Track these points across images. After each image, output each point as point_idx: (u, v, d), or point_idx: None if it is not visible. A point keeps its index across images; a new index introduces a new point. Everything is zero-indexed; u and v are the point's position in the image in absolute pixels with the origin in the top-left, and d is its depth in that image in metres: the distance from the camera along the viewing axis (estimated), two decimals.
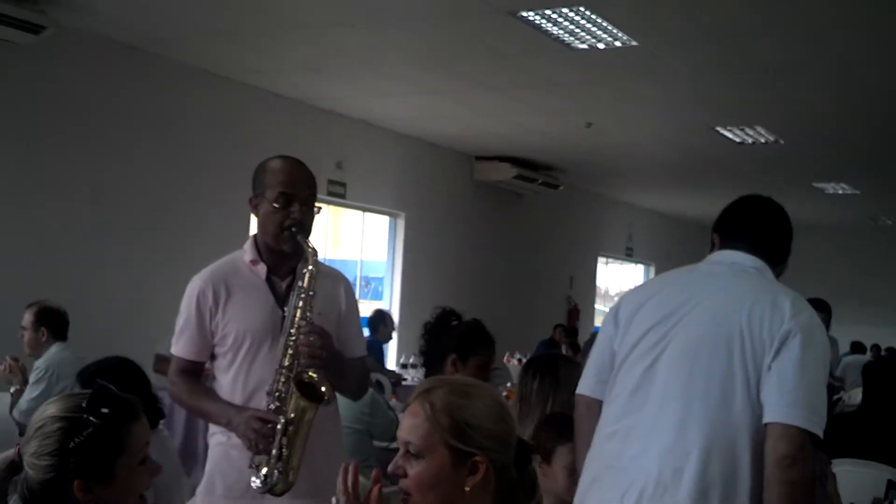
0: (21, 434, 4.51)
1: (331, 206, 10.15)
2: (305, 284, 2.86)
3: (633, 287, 2.96)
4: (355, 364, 3.09)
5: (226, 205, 8.54)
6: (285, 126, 9.06)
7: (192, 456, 6.13)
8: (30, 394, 4.95)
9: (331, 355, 2.83)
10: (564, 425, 2.88)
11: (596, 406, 2.64)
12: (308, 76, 8.51)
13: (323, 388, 2.75)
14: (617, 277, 17.94)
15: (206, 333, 2.96)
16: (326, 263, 3.19)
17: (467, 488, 1.77)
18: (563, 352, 11.25)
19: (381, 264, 11.27)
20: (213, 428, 3.00)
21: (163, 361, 6.19)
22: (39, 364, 5.07)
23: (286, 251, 2.93)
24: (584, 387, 2.73)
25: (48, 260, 6.96)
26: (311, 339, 2.79)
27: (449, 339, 4.08)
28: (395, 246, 11.31)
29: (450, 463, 1.78)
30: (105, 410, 1.88)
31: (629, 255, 17.18)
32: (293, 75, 8.50)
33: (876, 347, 14.30)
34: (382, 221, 11.33)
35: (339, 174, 9.80)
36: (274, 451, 2.74)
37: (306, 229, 2.92)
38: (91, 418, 1.86)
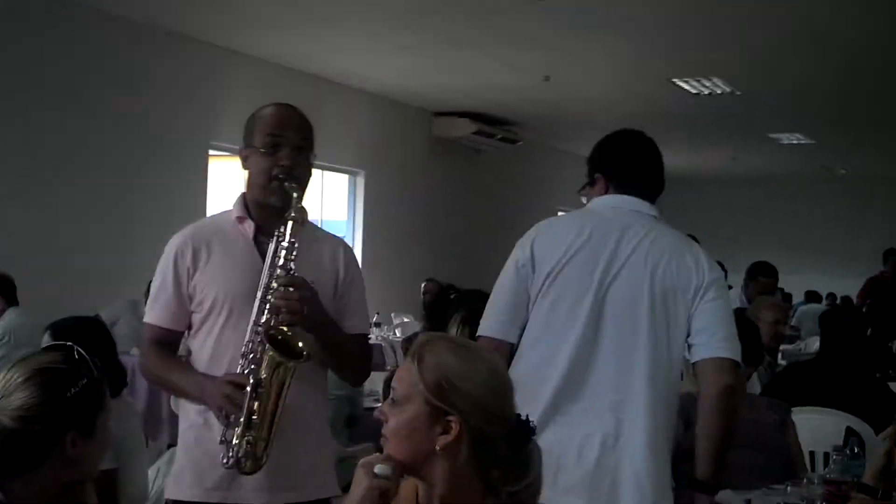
0: None
1: None
2: (287, 231, 2.51)
3: (541, 229, 2.84)
4: (354, 341, 2.71)
5: (186, 169, 8.46)
6: (244, 84, 8.93)
7: (157, 421, 6.12)
8: None
9: (316, 313, 2.49)
10: None
11: (505, 348, 2.76)
12: (268, 33, 8.39)
13: (300, 343, 2.41)
14: None
15: (184, 298, 2.61)
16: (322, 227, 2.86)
17: (438, 447, 1.75)
18: None
19: (342, 223, 11.21)
20: (185, 406, 2.63)
21: None
22: None
23: (274, 205, 2.57)
24: (492, 329, 2.79)
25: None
26: (289, 290, 2.43)
27: (456, 310, 4.02)
28: (355, 205, 11.26)
29: (424, 417, 1.75)
30: (91, 366, 1.88)
31: None
32: (252, 32, 8.38)
33: (831, 296, 14.51)
34: (342, 180, 11.26)
35: None
36: (242, 419, 2.38)
37: (297, 179, 2.57)
38: (85, 368, 1.86)
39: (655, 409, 2.64)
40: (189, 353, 2.69)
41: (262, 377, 2.39)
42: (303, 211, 2.54)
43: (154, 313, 2.65)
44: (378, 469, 1.73)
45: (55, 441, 1.79)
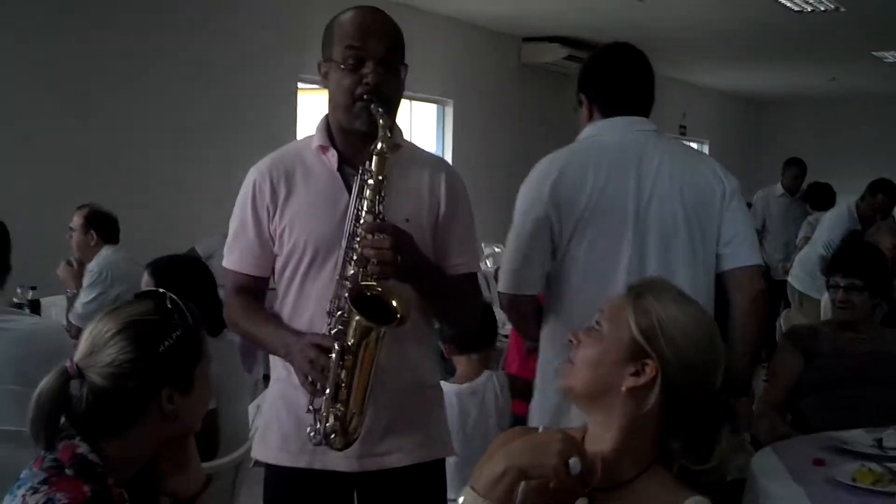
0: (75, 337, 4.52)
1: None
2: (373, 167, 2.14)
3: (550, 173, 2.73)
4: (461, 284, 2.35)
5: (275, 100, 8.44)
6: (331, 14, 8.84)
7: (251, 353, 6.17)
8: (85, 297, 4.95)
9: (412, 261, 2.15)
10: None
11: (534, 303, 2.75)
12: None
13: (394, 303, 2.09)
14: None
15: (266, 240, 2.32)
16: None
17: (624, 388, 1.61)
18: None
19: None
20: (273, 358, 2.37)
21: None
22: (93, 267, 5.04)
23: (359, 129, 2.22)
24: (520, 284, 2.72)
25: (96, 163, 6.93)
26: (378, 238, 2.09)
27: None
28: (444, 135, 11.14)
29: (622, 352, 1.62)
30: (186, 314, 1.73)
31: (683, 133, 16.80)
32: None
33: None
34: (430, 110, 11.14)
35: None
36: (329, 390, 2.10)
37: (384, 99, 2.19)
38: (180, 320, 1.71)
39: None
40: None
41: (350, 343, 2.09)
42: (392, 139, 2.18)
43: (233, 258, 2.37)
44: (572, 463, 1.53)
45: (150, 398, 1.67)
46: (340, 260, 2.18)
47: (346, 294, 2.10)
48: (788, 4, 9.66)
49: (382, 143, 2.15)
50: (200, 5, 7.77)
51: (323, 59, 2.30)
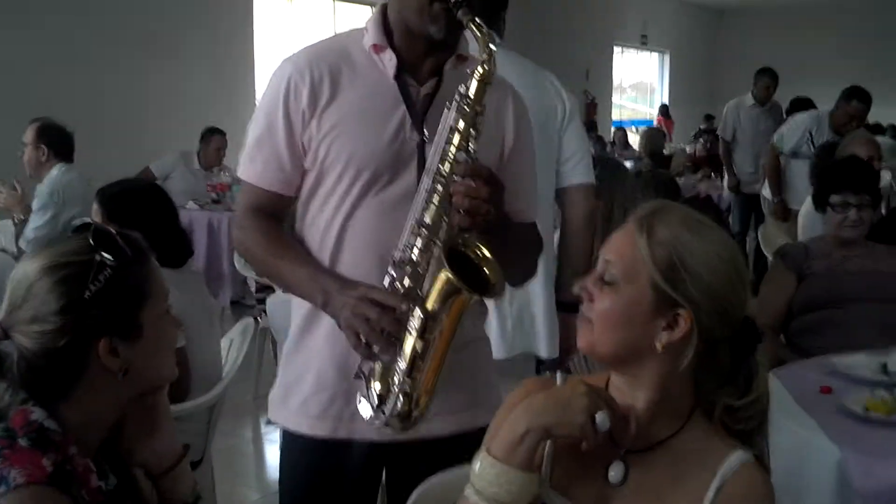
0: None
1: None
2: (472, 93, 1.72)
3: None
4: (524, 234, 1.96)
5: (231, 12, 8.14)
6: None
7: (218, 278, 5.98)
8: (36, 220, 4.63)
9: (500, 217, 1.73)
10: None
11: None
12: None
13: (488, 271, 1.68)
14: (631, 68, 17.40)
15: (297, 151, 1.86)
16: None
17: (659, 344, 1.40)
18: None
19: None
20: (295, 299, 1.95)
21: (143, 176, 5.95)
22: (42, 189, 4.70)
23: (433, 36, 1.79)
24: None
25: (46, 77, 6.60)
26: (474, 184, 1.67)
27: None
28: None
29: (649, 304, 1.39)
30: (120, 248, 1.44)
31: (644, 43, 16.59)
32: None
33: None
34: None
35: None
36: (402, 364, 1.67)
37: (474, 3, 1.73)
38: (107, 257, 1.41)
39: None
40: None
41: (432, 308, 1.66)
42: (491, 63, 1.74)
43: (255, 169, 1.89)
44: (599, 419, 1.36)
45: (86, 352, 1.41)
46: (396, 189, 1.81)
47: (430, 244, 1.69)
48: None
49: (487, 66, 1.72)
50: None
51: None
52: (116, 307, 1.42)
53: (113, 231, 1.46)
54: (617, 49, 16.08)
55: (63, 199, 4.64)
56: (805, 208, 5.05)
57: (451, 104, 1.73)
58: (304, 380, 1.92)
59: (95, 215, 2.84)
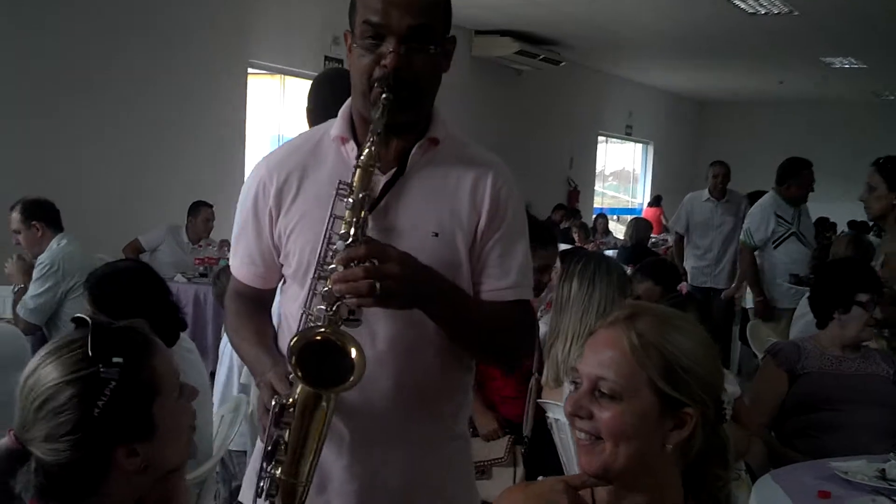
0: (26, 333, 4.34)
1: None
2: (355, 181, 1.70)
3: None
4: (499, 312, 1.85)
5: (224, 87, 8.19)
6: (278, 3, 8.60)
7: (202, 351, 5.91)
8: (35, 289, 4.70)
9: (406, 288, 1.64)
10: None
11: None
12: None
13: (353, 352, 1.63)
14: (616, 157, 17.60)
15: (267, 249, 1.91)
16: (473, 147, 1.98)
17: (669, 445, 1.42)
18: (565, 232, 11.13)
19: None
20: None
21: (130, 247, 5.95)
22: (43, 259, 4.77)
23: (378, 121, 1.75)
24: None
25: (34, 158, 6.59)
26: (349, 269, 1.62)
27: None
28: None
29: (655, 411, 1.41)
30: (118, 356, 1.42)
31: (629, 133, 16.82)
32: None
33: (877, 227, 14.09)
34: None
35: (337, 50, 9.33)
36: (267, 446, 1.69)
37: (406, 84, 1.74)
38: (105, 370, 1.40)
39: None
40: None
41: (290, 401, 1.66)
42: (430, 133, 1.83)
43: (234, 262, 1.99)
44: None
45: (105, 462, 1.41)
46: (305, 292, 1.77)
47: (290, 344, 1.65)
48: (742, 6, 9.65)
49: (369, 151, 1.71)
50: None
51: (349, 28, 1.85)
52: (128, 413, 1.41)
53: (112, 330, 1.44)
54: (601, 138, 16.29)
55: (63, 270, 4.73)
56: (801, 310, 4.92)
57: (334, 195, 1.73)
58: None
59: (87, 304, 2.82)
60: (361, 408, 1.80)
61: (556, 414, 3.31)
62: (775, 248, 6.37)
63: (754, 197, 7.84)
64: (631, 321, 1.45)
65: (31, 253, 4.92)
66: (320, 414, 1.64)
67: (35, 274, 4.75)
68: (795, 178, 6.40)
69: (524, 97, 13.07)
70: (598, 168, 16.62)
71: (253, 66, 8.52)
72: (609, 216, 14.58)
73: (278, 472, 1.65)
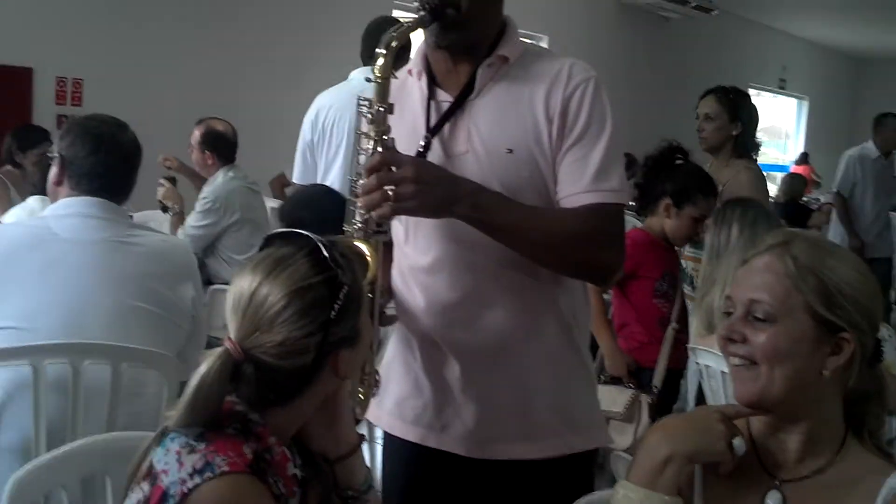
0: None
1: None
2: (374, 95, 1.71)
3: None
4: (569, 219, 1.77)
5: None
6: None
7: None
8: (195, 220, 4.84)
9: (420, 187, 1.64)
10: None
11: None
12: None
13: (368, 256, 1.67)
14: (768, 111, 16.97)
15: None
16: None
17: (825, 371, 1.38)
18: None
19: None
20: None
21: (276, 181, 5.99)
22: (207, 194, 4.91)
23: (437, 43, 1.79)
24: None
25: (221, 82, 6.97)
26: (371, 179, 1.65)
27: (668, 180, 3.71)
28: None
29: (812, 334, 1.38)
30: (346, 262, 1.48)
31: (782, 87, 16.18)
32: None
33: None
34: None
35: None
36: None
37: (446, 3, 1.73)
38: (342, 274, 1.45)
39: None
40: None
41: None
42: (498, 50, 1.81)
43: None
44: (737, 444, 1.39)
45: (325, 365, 1.46)
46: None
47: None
48: None
49: (383, 63, 1.70)
50: None
51: None
52: (351, 319, 1.47)
53: (328, 244, 1.49)
54: (753, 91, 15.71)
55: (224, 206, 4.86)
56: None
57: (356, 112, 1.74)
58: (400, 383, 1.95)
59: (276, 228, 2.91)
60: (470, 343, 1.84)
61: (707, 360, 3.17)
62: None
63: None
64: (786, 247, 1.43)
65: (200, 172, 5.10)
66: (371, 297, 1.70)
67: (197, 206, 4.88)
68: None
69: (673, 45, 12.68)
70: None
71: (398, 8, 8.54)
72: None
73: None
